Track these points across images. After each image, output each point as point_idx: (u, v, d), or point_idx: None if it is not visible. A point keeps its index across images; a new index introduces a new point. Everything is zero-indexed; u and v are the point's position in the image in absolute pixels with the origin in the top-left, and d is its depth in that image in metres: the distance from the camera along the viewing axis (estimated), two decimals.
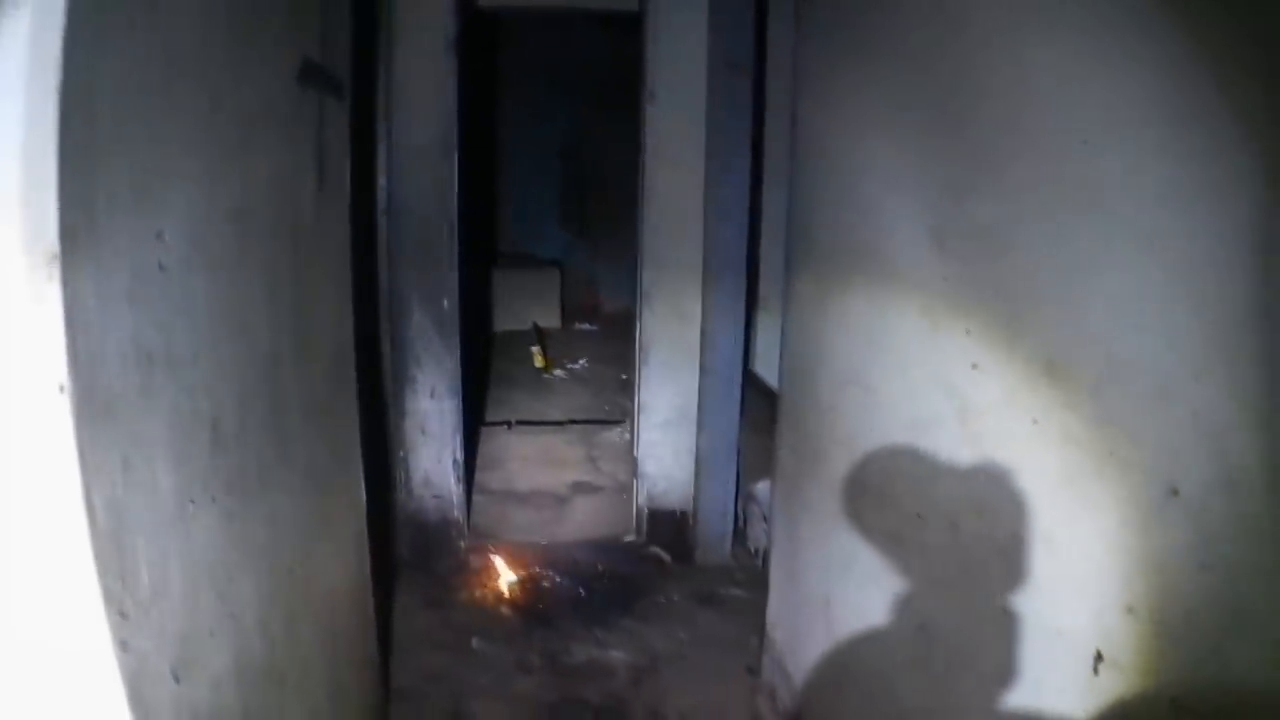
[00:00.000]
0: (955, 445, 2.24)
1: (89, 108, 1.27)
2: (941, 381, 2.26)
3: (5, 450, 1.22)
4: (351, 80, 2.79)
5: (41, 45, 1.18)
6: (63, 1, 1.19)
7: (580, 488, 5.83)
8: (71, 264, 1.22)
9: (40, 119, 1.19)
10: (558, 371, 8.23)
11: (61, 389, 1.21)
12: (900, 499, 2.46)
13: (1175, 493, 1.70)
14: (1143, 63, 1.75)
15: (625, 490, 5.31)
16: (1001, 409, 2.08)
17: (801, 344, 3.16)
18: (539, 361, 8.12)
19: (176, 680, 1.55)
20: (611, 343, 8.68)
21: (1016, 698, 2.08)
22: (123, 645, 1.35)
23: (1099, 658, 1.85)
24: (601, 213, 10.32)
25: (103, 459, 1.31)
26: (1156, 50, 1.73)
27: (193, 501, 1.66)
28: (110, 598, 1.33)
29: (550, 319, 9.81)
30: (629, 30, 5.03)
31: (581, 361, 8.52)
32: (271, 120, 2.13)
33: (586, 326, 9.98)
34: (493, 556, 4.91)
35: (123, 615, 1.36)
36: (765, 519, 4.55)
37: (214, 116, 1.76)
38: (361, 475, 2.95)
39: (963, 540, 2.22)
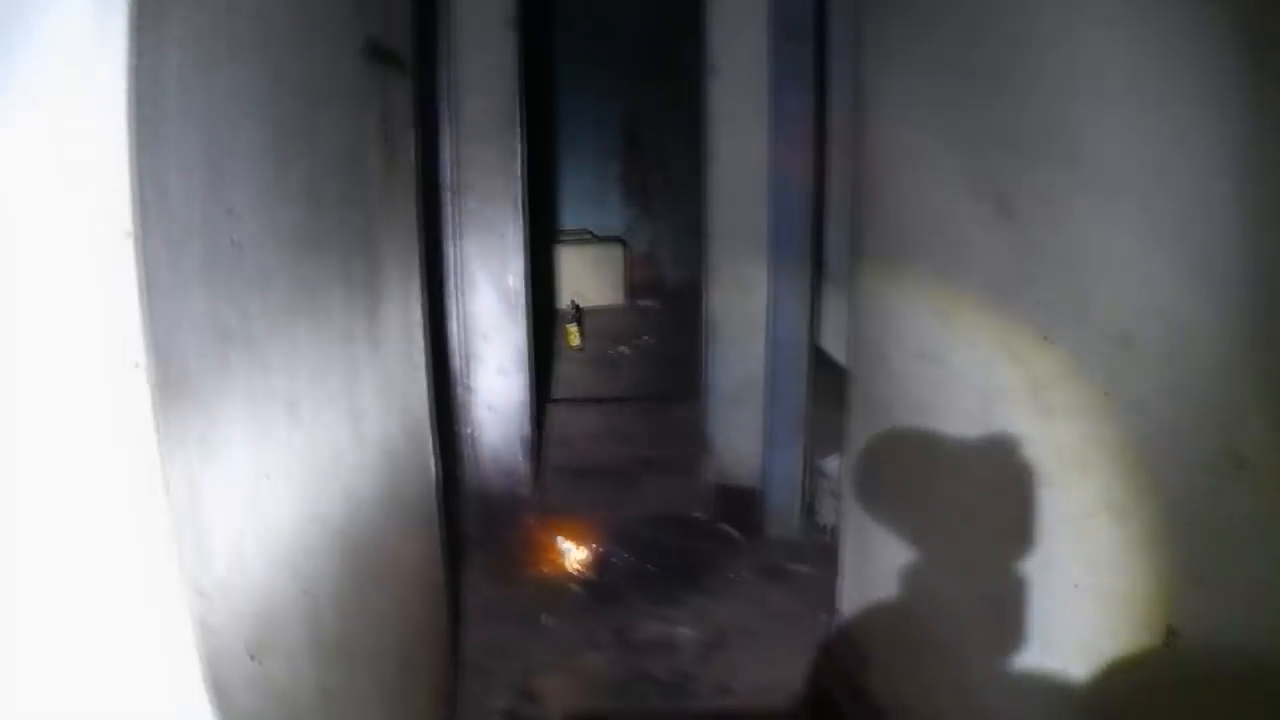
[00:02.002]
0: (1027, 417, 2.21)
1: (158, 84, 1.26)
2: (1012, 353, 2.23)
3: (84, 428, 1.22)
4: (414, 57, 2.78)
5: (108, 22, 1.17)
6: None
7: (647, 463, 5.82)
8: (145, 241, 1.22)
9: (109, 97, 1.18)
10: (622, 348, 8.21)
11: (137, 366, 1.21)
12: (972, 472, 2.43)
13: (1242, 462, 1.66)
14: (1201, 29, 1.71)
15: (692, 466, 5.28)
16: (1073, 381, 2.05)
17: (870, 316, 3.13)
18: (573, 340, 8.12)
19: (252, 658, 1.56)
20: (677, 318, 8.65)
21: (1085, 669, 2.06)
22: (201, 623, 1.36)
23: (1171, 632, 1.82)
24: (663, 187, 10.26)
25: (179, 437, 1.31)
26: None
27: (268, 479, 1.66)
28: (188, 576, 1.33)
29: (615, 296, 9.78)
30: (690, 2, 4.99)
31: (645, 337, 8.49)
32: (338, 96, 2.12)
33: (649, 302, 9.93)
34: (560, 532, 4.92)
35: (201, 593, 1.37)
36: (834, 494, 4.51)
37: (280, 92, 1.75)
38: (432, 452, 2.95)
39: (1034, 513, 2.19)
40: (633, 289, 10.02)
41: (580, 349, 8.07)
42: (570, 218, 10.49)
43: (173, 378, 1.29)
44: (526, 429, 5.01)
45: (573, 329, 8.17)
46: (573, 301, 9.27)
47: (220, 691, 1.41)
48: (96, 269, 1.19)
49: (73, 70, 1.17)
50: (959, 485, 2.51)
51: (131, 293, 1.20)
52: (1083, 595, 2.04)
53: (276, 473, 1.70)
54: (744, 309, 4.83)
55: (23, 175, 1.17)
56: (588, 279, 9.58)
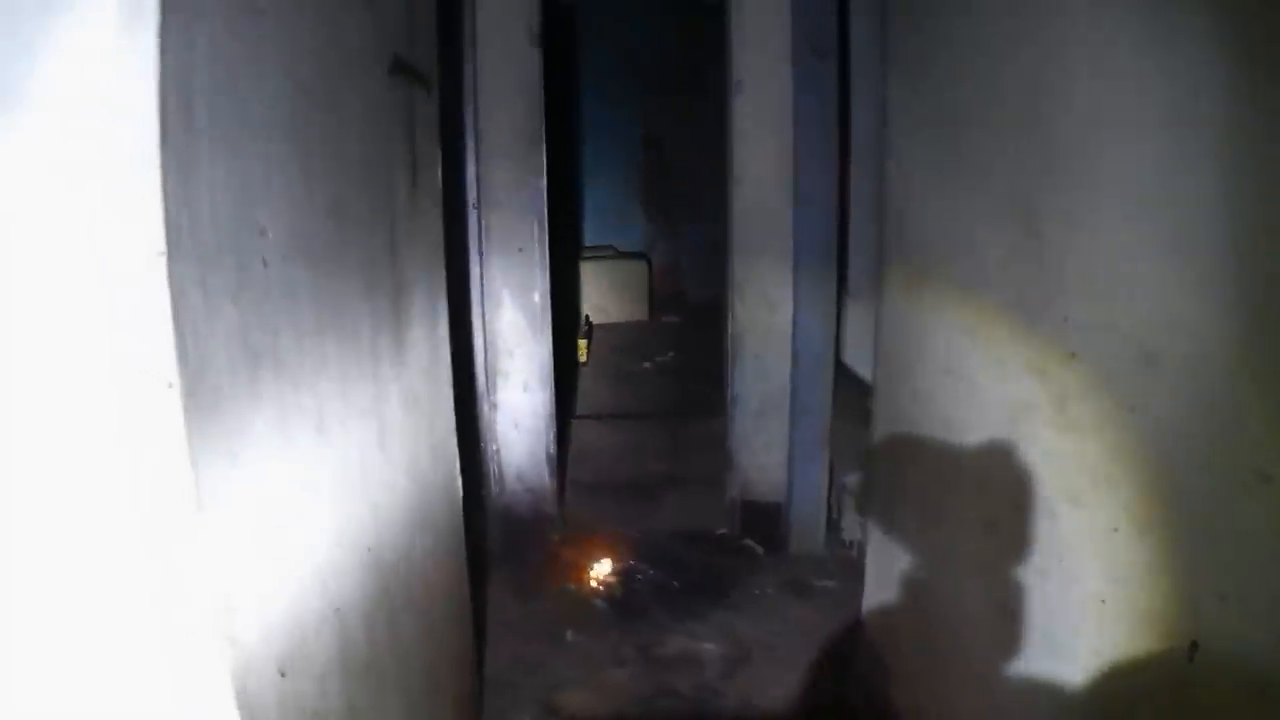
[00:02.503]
0: (1052, 432, 2.21)
1: (186, 103, 1.27)
2: (1037, 369, 2.23)
3: (117, 447, 1.23)
4: (439, 74, 2.80)
5: (136, 41, 1.18)
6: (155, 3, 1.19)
7: (672, 479, 5.82)
8: (177, 261, 1.23)
9: (139, 115, 1.19)
10: (646, 364, 8.22)
11: (170, 386, 1.22)
12: (997, 487, 2.43)
13: (1268, 479, 1.65)
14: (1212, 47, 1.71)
15: (716, 482, 5.28)
16: (1098, 396, 2.05)
17: (896, 332, 3.13)
18: (580, 354, 8.14)
19: (282, 675, 1.56)
20: (699, 333, 8.66)
21: (1109, 684, 2.05)
22: (231, 641, 1.36)
23: (1194, 646, 1.81)
24: (685, 203, 10.29)
25: (211, 454, 1.32)
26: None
27: (298, 495, 1.67)
28: (218, 592, 1.33)
29: (638, 311, 9.80)
30: (711, 17, 5.00)
31: (670, 353, 8.50)
32: (364, 115, 2.14)
33: (672, 318, 9.95)
34: (585, 549, 4.93)
35: (230, 610, 1.37)
36: (858, 509, 4.50)
37: (308, 111, 1.76)
38: (458, 468, 2.96)
39: (1060, 529, 2.20)
40: (655, 304, 10.04)
41: (584, 363, 8.07)
42: (593, 234, 10.54)
43: (204, 396, 1.30)
44: (551, 445, 5.02)
45: (582, 344, 8.19)
46: (585, 317, 9.30)
47: (249, 709, 1.41)
48: (128, 289, 1.19)
49: (101, 90, 1.18)
50: (983, 500, 2.50)
51: (164, 312, 1.20)
52: (1106, 610, 2.04)
53: (306, 489, 1.71)
54: (768, 324, 4.84)
55: (55, 196, 1.18)
56: (610, 295, 9.62)
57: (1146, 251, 1.89)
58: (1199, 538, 1.82)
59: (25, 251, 1.19)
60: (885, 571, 3.27)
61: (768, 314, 4.84)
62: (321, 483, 1.78)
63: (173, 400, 1.22)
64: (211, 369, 1.33)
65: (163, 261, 1.20)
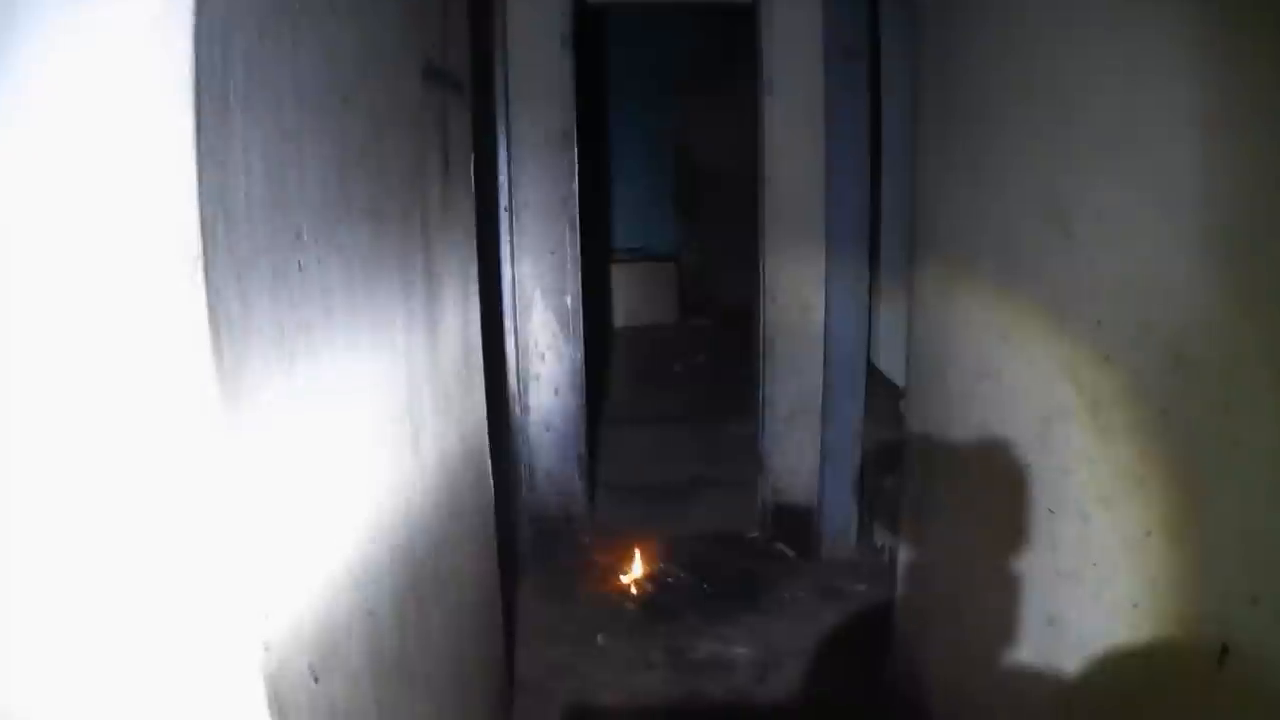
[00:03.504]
0: (1086, 437, 2.20)
1: (223, 104, 1.28)
2: (1072, 373, 2.21)
3: (157, 454, 1.24)
4: (471, 79, 2.81)
5: (171, 39, 1.19)
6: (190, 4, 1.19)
7: (703, 482, 5.82)
8: (214, 265, 1.23)
9: (175, 116, 1.19)
10: (676, 366, 8.21)
11: (205, 390, 1.23)
12: (1030, 490, 2.41)
13: None
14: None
15: (748, 485, 5.27)
16: (1132, 400, 2.04)
17: (929, 336, 3.11)
18: None
19: (315, 679, 1.57)
20: (730, 336, 8.63)
21: (1142, 689, 2.06)
22: (265, 645, 1.37)
23: (1224, 650, 1.80)
24: (716, 205, 10.26)
25: (250, 460, 1.33)
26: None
27: (333, 497, 1.67)
28: (253, 596, 1.34)
29: (668, 314, 9.79)
30: (741, 20, 5.00)
31: (700, 355, 8.49)
32: (399, 119, 2.15)
33: (702, 320, 9.93)
34: (615, 551, 4.92)
35: (265, 615, 1.38)
36: (890, 513, 4.48)
37: (344, 114, 1.77)
38: (489, 470, 2.97)
39: (1092, 533, 2.19)
40: (686, 307, 10.02)
41: None
42: (623, 236, 10.53)
43: (241, 402, 1.30)
44: (581, 447, 5.03)
45: None
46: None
47: (282, 712, 1.41)
48: (165, 293, 1.20)
49: (136, 93, 1.18)
50: (1016, 502, 2.49)
51: (201, 317, 1.21)
52: (1140, 614, 2.03)
53: (341, 491, 1.71)
54: (800, 327, 4.83)
55: (91, 201, 1.19)
56: (640, 297, 9.60)
57: (1177, 254, 1.88)
58: (1230, 541, 1.82)
59: (58, 254, 1.19)
60: (917, 577, 3.26)
61: (799, 316, 4.83)
62: (356, 483, 1.79)
63: (209, 403, 1.23)
64: (247, 374, 1.33)
65: (200, 265, 1.20)
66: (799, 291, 4.80)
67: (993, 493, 2.63)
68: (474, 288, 2.82)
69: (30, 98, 1.17)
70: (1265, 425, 1.73)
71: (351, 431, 1.77)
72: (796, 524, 5.01)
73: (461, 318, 2.67)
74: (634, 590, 4.62)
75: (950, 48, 2.85)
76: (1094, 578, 2.19)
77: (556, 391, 4.92)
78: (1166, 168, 1.90)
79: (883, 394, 4.69)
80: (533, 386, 4.89)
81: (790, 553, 4.97)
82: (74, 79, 1.18)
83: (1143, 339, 1.99)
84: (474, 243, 2.82)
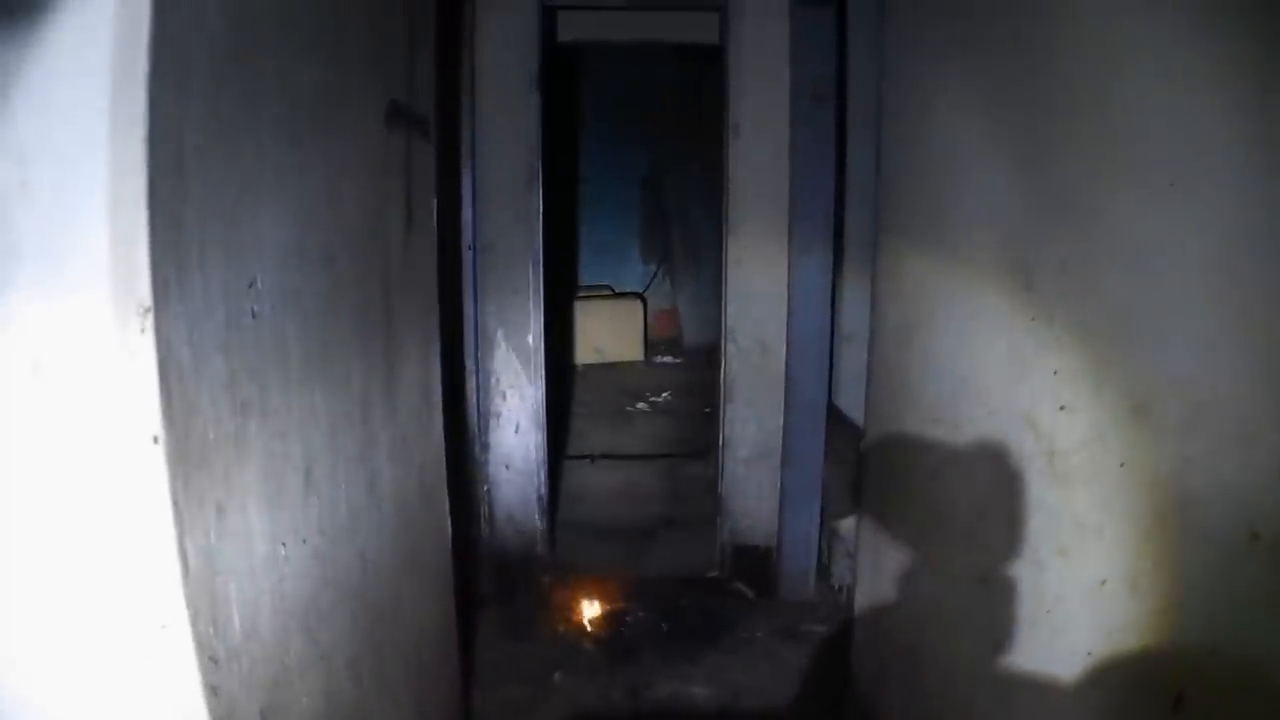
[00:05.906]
0: (1043, 485, 2.22)
1: (177, 156, 1.28)
2: (1029, 422, 2.24)
3: (101, 501, 1.24)
4: (436, 118, 2.82)
5: (126, 94, 1.19)
6: (145, 50, 1.20)
7: (663, 522, 5.82)
8: (164, 316, 1.23)
9: (128, 169, 1.19)
10: (640, 405, 8.22)
11: (155, 440, 1.23)
12: (987, 538, 2.44)
13: (1256, 537, 1.66)
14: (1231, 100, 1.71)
15: (708, 525, 5.28)
16: (1090, 451, 2.05)
17: (888, 380, 3.14)
18: None
19: None
20: (694, 374, 8.66)
21: None
22: (213, 691, 1.36)
23: (1179, 700, 1.81)
24: (683, 244, 10.31)
25: (196, 507, 1.33)
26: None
27: (285, 545, 1.67)
28: (202, 644, 1.34)
29: (633, 352, 9.80)
30: (712, 59, 5.04)
31: (665, 394, 8.50)
32: (360, 162, 2.15)
33: (668, 359, 9.96)
34: (575, 590, 4.91)
35: (214, 661, 1.37)
36: (849, 555, 4.49)
37: (303, 161, 1.77)
38: (447, 511, 2.96)
39: (1048, 581, 2.20)
40: (652, 346, 10.04)
41: None
42: (590, 273, 10.55)
43: (191, 450, 1.31)
44: (542, 487, 5.02)
45: None
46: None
47: None
48: (114, 343, 1.20)
49: (89, 144, 1.18)
50: (972, 549, 2.51)
51: (150, 367, 1.21)
52: (1094, 663, 2.04)
53: (293, 538, 1.71)
54: (761, 368, 4.86)
55: (40, 251, 1.19)
56: (606, 334, 9.60)
57: (1138, 305, 1.90)
58: (1189, 594, 1.82)
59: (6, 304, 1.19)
60: (874, 617, 3.27)
61: (762, 358, 4.85)
62: (309, 529, 1.79)
63: (157, 454, 1.23)
64: (198, 422, 1.34)
65: (149, 317, 1.20)
66: (762, 334, 4.83)
67: (948, 538, 2.65)
68: (435, 331, 2.82)
69: None
70: (1221, 480, 1.75)
71: (305, 479, 1.77)
72: (756, 565, 5.01)
73: (422, 361, 2.67)
74: (593, 630, 4.60)
75: (917, 85, 2.88)
76: (1049, 625, 2.19)
77: (518, 430, 4.91)
78: (1127, 221, 1.91)
79: (844, 434, 4.72)
80: (493, 425, 4.88)
81: (750, 593, 4.97)
82: (27, 126, 1.18)
83: (1101, 390, 2.00)
84: (435, 286, 2.82)
